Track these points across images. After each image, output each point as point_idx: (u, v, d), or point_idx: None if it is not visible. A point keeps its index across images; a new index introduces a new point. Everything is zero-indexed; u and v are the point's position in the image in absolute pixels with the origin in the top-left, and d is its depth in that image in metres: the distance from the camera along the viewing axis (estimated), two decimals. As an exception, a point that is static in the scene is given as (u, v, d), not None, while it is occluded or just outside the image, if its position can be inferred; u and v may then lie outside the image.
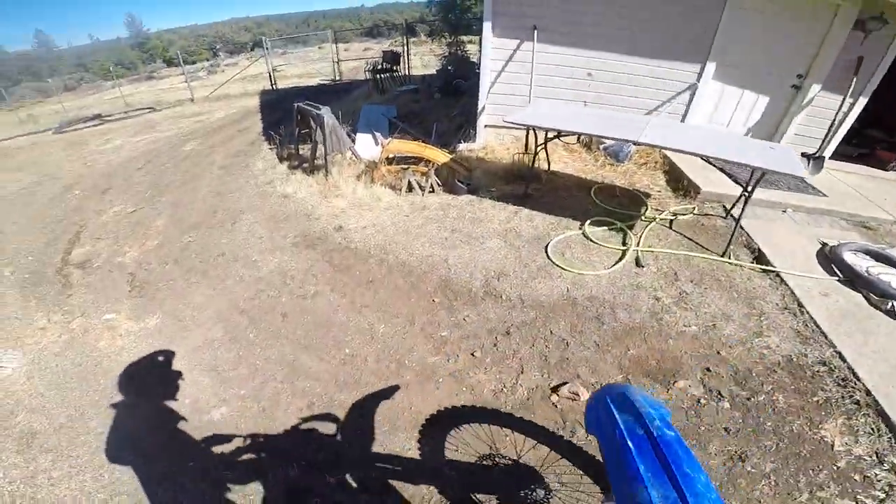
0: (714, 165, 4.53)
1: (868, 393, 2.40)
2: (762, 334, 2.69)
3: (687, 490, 0.81)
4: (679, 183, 4.13)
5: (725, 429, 2.08)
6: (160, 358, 2.64)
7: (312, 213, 4.12)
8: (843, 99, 4.67)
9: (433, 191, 4.15)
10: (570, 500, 1.75)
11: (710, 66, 4.61)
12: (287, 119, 5.84)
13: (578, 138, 4.09)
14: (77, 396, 2.42)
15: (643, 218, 3.60)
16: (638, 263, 3.09)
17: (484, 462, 1.91)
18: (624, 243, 3.30)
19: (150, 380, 2.54)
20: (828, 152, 5.02)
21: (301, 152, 5.30)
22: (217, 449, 2.04)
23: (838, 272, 3.39)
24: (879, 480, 1.91)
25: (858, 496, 1.85)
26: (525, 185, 3.98)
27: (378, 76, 9.33)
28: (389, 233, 3.71)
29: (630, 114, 4.41)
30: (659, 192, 4.07)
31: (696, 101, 4.80)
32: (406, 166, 4.26)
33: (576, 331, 2.63)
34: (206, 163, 5.98)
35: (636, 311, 2.73)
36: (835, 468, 1.96)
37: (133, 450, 2.08)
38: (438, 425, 2.10)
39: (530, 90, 4.79)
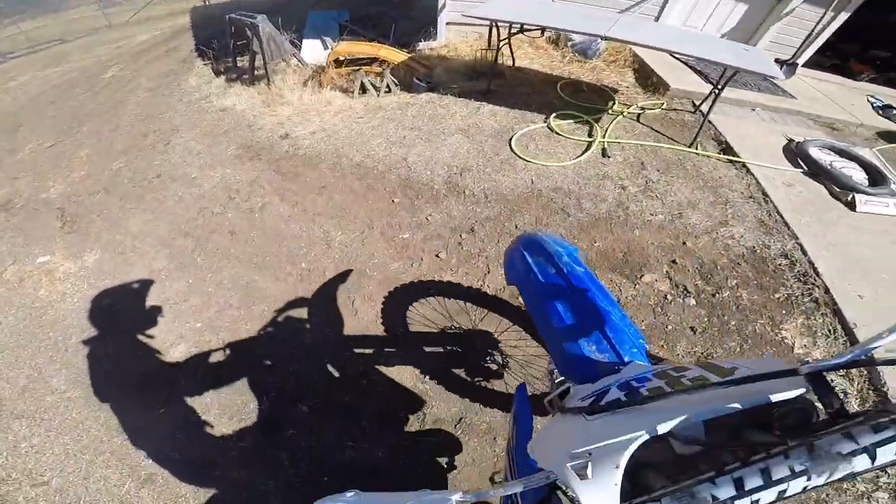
0: (685, 64, 4.41)
1: (826, 290, 2.48)
2: (727, 223, 2.72)
3: (606, 324, 0.82)
4: (648, 80, 4.01)
5: (692, 328, 2.10)
6: (106, 300, 2.41)
7: (255, 124, 3.79)
8: (825, 11, 4.58)
9: (389, 91, 3.87)
10: (525, 361, 1.76)
11: None
12: (221, 34, 5.24)
13: (543, 33, 3.83)
14: (30, 354, 2.20)
15: (610, 111, 3.50)
16: (604, 154, 3.02)
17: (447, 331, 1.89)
18: (590, 135, 3.22)
19: (102, 325, 2.32)
20: (801, 60, 4.97)
21: (239, 65, 4.80)
22: (186, 395, 1.90)
23: (803, 165, 3.44)
24: (836, 386, 1.99)
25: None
26: (488, 81, 3.78)
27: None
28: (342, 135, 3.47)
29: (602, 11, 4.13)
30: (627, 88, 3.95)
31: (671, 1, 4.56)
32: (357, 68, 3.92)
33: (541, 224, 2.56)
34: (130, 87, 5.36)
35: (602, 201, 2.68)
36: (796, 375, 2.04)
37: (102, 405, 1.93)
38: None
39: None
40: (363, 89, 3.81)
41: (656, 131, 3.38)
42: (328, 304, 2.17)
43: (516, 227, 2.56)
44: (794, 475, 0.42)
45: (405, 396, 1.80)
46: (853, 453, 0.42)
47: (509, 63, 4.05)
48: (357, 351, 1.96)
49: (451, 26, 4.80)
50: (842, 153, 3.71)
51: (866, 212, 3.18)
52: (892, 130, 4.70)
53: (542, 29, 3.38)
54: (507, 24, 3.29)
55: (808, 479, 0.42)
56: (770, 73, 2.74)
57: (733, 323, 2.16)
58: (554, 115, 3.39)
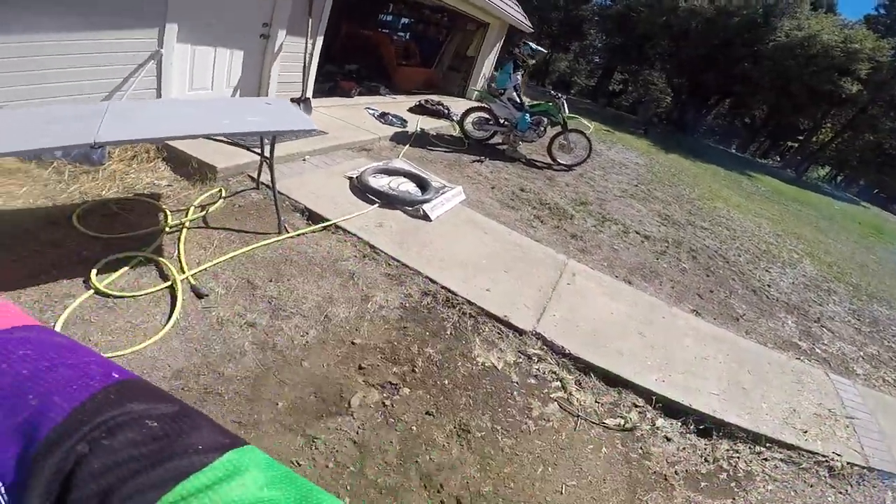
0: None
1: (468, 302, 2.97)
2: (368, 297, 2.79)
3: None
4: (188, 167, 3.49)
5: (427, 412, 2.15)
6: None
7: None
8: (306, 41, 5.20)
9: None
10: None
11: (172, 28, 3.94)
12: None
13: None
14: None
15: (168, 229, 2.81)
16: (198, 294, 2.39)
17: None
18: (164, 277, 2.46)
19: None
20: (310, 93, 5.61)
21: None
22: None
23: (374, 198, 3.91)
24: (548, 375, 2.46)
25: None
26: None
27: None
28: None
29: (81, 104, 3.08)
30: (170, 186, 3.31)
31: (166, 70, 4.06)
32: None
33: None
34: None
35: (241, 355, 2.15)
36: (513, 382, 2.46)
37: None
38: None
39: None
40: None
41: (235, 231, 3.01)
42: None
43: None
44: None
45: None
46: None
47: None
48: None
49: None
50: (388, 172, 4.51)
51: (438, 216, 3.98)
52: (397, 132, 6.16)
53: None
54: None
55: None
56: (307, 126, 2.83)
57: (448, 382, 2.32)
58: (95, 270, 2.33)
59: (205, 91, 4.72)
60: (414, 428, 2.06)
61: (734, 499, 2.27)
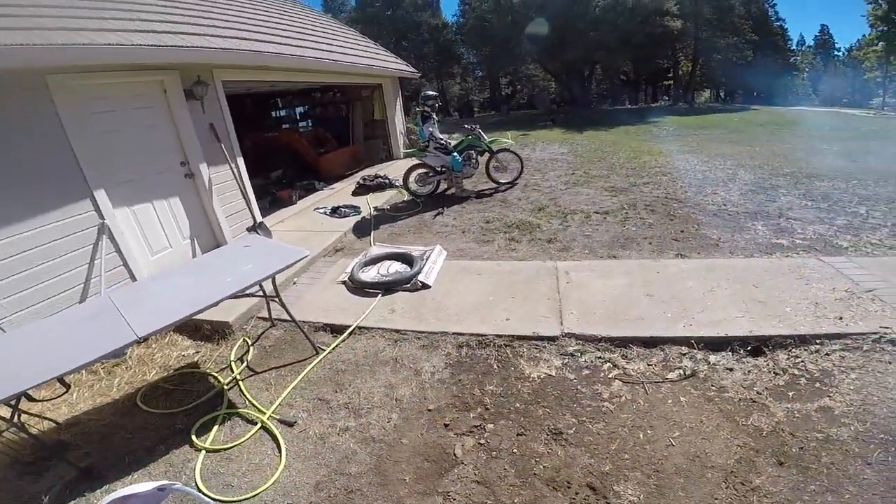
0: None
1: (498, 336, 3.39)
2: (420, 371, 3.22)
3: None
4: (203, 331, 3.85)
5: None
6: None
7: None
8: (229, 165, 5.57)
9: None
10: None
11: (102, 195, 4.18)
12: None
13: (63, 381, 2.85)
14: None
15: (226, 386, 3.16)
16: (287, 423, 2.82)
17: None
18: (251, 423, 2.85)
19: None
20: (259, 216, 6.01)
21: None
22: None
23: (372, 290, 4.33)
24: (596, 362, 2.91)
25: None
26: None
27: None
28: None
29: (79, 308, 3.32)
30: (198, 352, 3.64)
31: (121, 241, 4.35)
32: None
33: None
34: None
35: (352, 454, 2.53)
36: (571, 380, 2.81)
37: None
38: None
39: None
40: None
41: (280, 367, 3.41)
42: None
43: None
44: None
45: None
46: None
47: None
48: None
49: None
50: (372, 262, 4.95)
51: (435, 279, 4.43)
52: (356, 221, 6.62)
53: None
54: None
55: None
56: (298, 256, 3.24)
57: (519, 404, 2.68)
58: (193, 435, 2.74)
59: (167, 251, 5.03)
60: (515, 450, 2.48)
61: (830, 396, 2.55)
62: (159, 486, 0.89)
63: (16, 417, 2.35)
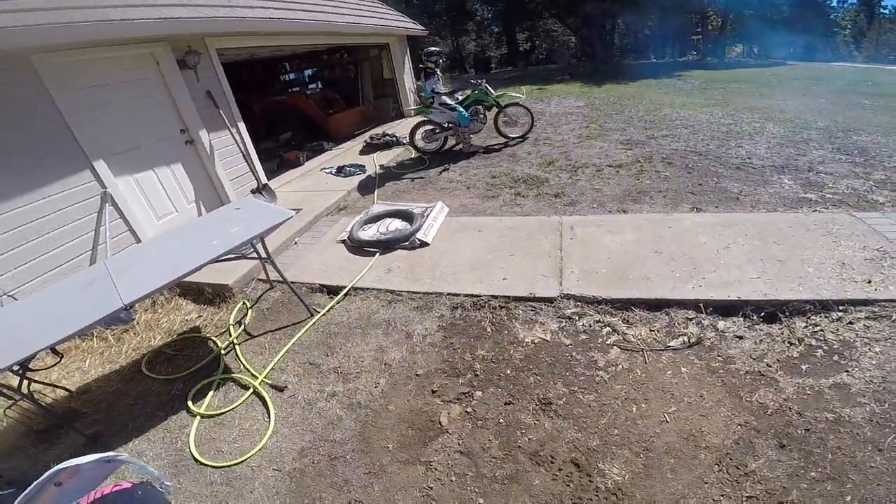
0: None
1: (493, 297, 3.17)
2: (411, 334, 3.06)
3: None
4: (205, 294, 3.74)
5: None
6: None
7: None
8: (230, 131, 5.39)
9: None
10: None
11: (102, 165, 4.12)
12: None
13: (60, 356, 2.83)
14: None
15: (223, 352, 3.06)
16: (278, 389, 2.73)
17: None
18: (244, 387, 2.79)
19: None
20: (264, 178, 5.83)
21: None
22: None
23: (372, 249, 4.14)
24: (594, 326, 2.59)
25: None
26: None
27: None
28: None
29: (79, 275, 3.25)
30: (200, 316, 3.57)
31: (125, 208, 4.31)
32: None
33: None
34: None
35: (338, 420, 2.42)
36: (567, 345, 2.59)
37: None
38: None
39: None
40: None
41: (276, 330, 3.30)
42: None
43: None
44: None
45: None
46: None
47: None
48: None
49: None
50: (373, 220, 4.74)
51: (433, 237, 4.20)
52: (361, 180, 6.38)
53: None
54: None
55: None
56: (283, 217, 3.07)
57: (510, 371, 2.51)
58: (189, 402, 2.69)
59: (172, 216, 4.97)
60: (501, 420, 2.32)
61: (848, 371, 2.24)
62: (106, 457, 0.80)
63: (24, 388, 2.35)
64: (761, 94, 10.74)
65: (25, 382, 2.36)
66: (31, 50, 3.57)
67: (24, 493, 0.67)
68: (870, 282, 2.74)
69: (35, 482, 0.67)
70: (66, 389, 2.94)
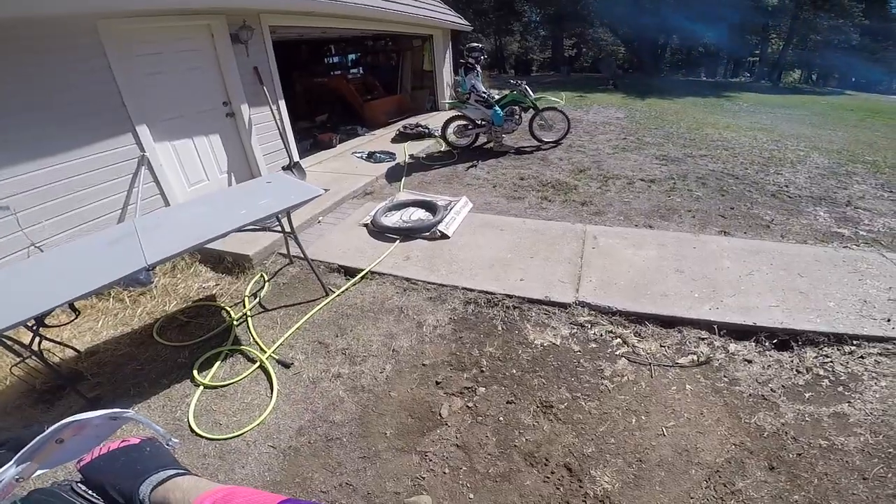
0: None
1: (508, 296, 3.18)
2: (422, 323, 3.08)
3: None
4: (225, 263, 3.83)
5: None
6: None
7: None
8: (270, 108, 5.52)
9: None
10: None
11: (144, 130, 4.28)
12: None
13: (77, 312, 2.86)
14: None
15: (235, 323, 3.13)
16: (284, 364, 2.75)
17: None
18: (251, 360, 2.82)
19: None
20: (297, 156, 5.94)
21: None
22: None
23: (393, 235, 4.18)
24: (605, 336, 2.56)
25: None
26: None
27: None
28: None
29: (110, 229, 3.40)
30: (218, 285, 3.64)
31: (160, 173, 4.47)
32: None
33: None
34: None
35: (339, 402, 2.44)
36: (576, 352, 2.52)
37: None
38: None
39: None
40: None
41: (290, 305, 3.35)
42: None
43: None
44: None
45: None
46: None
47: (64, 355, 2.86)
48: None
49: None
50: (397, 207, 4.79)
51: (455, 231, 4.22)
52: (390, 167, 6.44)
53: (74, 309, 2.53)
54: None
55: None
56: (312, 194, 3.06)
57: (516, 370, 2.50)
58: (195, 371, 2.73)
59: (203, 184, 5.10)
60: (501, 418, 2.30)
61: (850, 402, 2.25)
62: (111, 414, 0.82)
63: (35, 344, 2.33)
64: (812, 123, 10.35)
65: (37, 340, 2.34)
66: (99, 15, 3.73)
67: (25, 448, 0.68)
68: (889, 320, 2.68)
69: (38, 437, 0.68)
70: (76, 349, 2.95)
